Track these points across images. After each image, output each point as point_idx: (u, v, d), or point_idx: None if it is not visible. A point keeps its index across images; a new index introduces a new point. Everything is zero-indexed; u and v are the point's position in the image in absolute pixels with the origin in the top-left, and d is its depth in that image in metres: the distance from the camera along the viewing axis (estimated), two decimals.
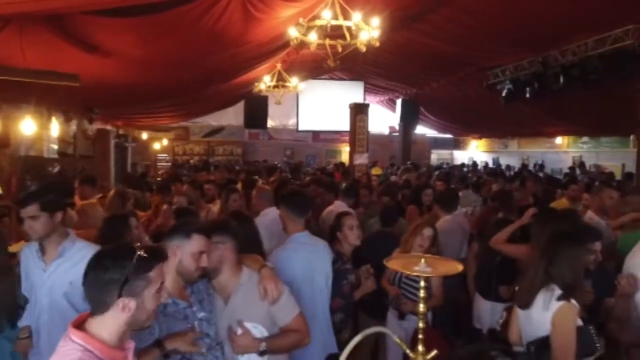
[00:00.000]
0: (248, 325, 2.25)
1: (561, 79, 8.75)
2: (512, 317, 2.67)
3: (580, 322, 2.37)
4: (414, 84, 15.11)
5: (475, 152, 23.42)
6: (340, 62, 8.20)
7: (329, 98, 17.35)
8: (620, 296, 2.95)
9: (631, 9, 6.91)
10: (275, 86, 11.84)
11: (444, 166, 18.33)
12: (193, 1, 5.11)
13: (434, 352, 1.80)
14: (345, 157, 18.23)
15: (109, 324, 1.56)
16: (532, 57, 9.54)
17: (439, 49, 10.05)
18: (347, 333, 3.32)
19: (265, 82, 11.62)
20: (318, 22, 5.83)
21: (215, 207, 5.42)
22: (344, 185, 6.74)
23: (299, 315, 2.38)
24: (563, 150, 18.80)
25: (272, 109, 15.81)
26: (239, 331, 2.23)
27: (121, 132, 12.96)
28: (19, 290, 3.04)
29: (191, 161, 18.70)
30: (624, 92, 8.71)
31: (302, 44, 6.50)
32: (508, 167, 17.91)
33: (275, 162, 17.12)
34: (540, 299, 2.42)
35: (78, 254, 2.59)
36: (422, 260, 1.87)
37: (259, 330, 2.27)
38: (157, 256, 1.68)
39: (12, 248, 3.42)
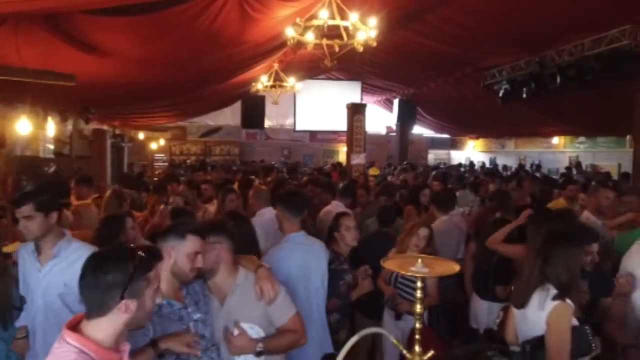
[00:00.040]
0: (244, 325, 2.24)
1: (558, 79, 8.76)
2: (508, 316, 2.67)
3: (575, 322, 2.37)
4: (411, 84, 15.12)
5: (473, 152, 23.45)
6: (337, 62, 8.22)
7: (326, 98, 17.36)
8: (618, 295, 2.95)
9: (627, 9, 6.93)
10: (273, 86, 11.84)
11: (442, 166, 18.35)
12: (189, 1, 5.10)
13: (430, 353, 1.80)
14: (342, 157, 18.23)
15: (107, 325, 1.55)
16: (528, 58, 9.56)
17: (436, 49, 10.06)
18: (344, 334, 3.32)
19: (262, 82, 11.62)
20: (315, 22, 5.83)
21: (212, 207, 5.41)
22: (341, 185, 6.73)
23: (295, 315, 2.37)
24: (560, 150, 18.85)
25: (269, 108, 15.81)
26: (236, 332, 2.22)
27: (118, 132, 12.95)
28: (14, 291, 3.03)
29: (188, 161, 18.66)
30: (620, 92, 8.73)
31: (299, 44, 6.49)
32: (505, 167, 17.93)
33: (273, 162, 17.10)
34: (535, 298, 2.43)
35: (73, 255, 2.58)
36: (419, 260, 1.86)
37: (255, 331, 2.27)
38: (155, 256, 1.69)
39: (8, 248, 3.40)
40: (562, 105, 10.87)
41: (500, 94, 10.54)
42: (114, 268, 1.54)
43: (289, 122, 19.52)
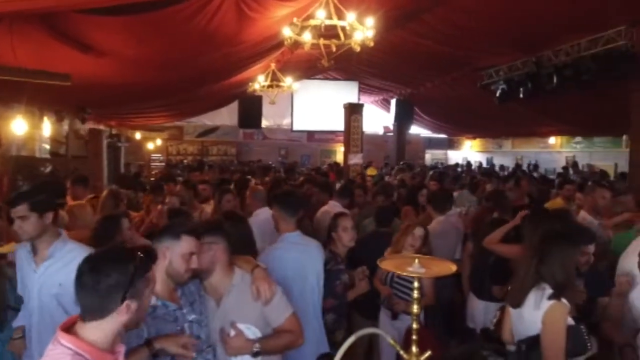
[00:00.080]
0: (241, 326, 2.23)
1: (554, 79, 8.79)
2: (505, 316, 2.68)
3: (571, 322, 2.37)
4: (409, 84, 15.14)
5: (470, 152, 23.49)
6: (334, 62, 8.19)
7: (323, 98, 17.35)
8: (617, 295, 2.95)
9: (624, 10, 6.95)
10: (270, 86, 11.82)
11: (439, 166, 18.37)
12: (185, 0, 5.09)
13: (427, 353, 1.79)
14: (340, 157, 18.23)
15: (106, 327, 1.54)
16: (525, 58, 9.58)
17: (433, 49, 10.07)
18: (341, 334, 3.31)
19: (259, 82, 11.59)
20: (312, 22, 5.82)
21: (209, 208, 5.40)
22: (338, 185, 6.73)
23: (292, 315, 2.36)
24: (556, 150, 18.90)
25: (266, 108, 15.79)
26: (232, 332, 2.21)
27: (114, 131, 12.90)
28: (9, 291, 3.02)
29: (185, 161, 18.63)
30: (616, 92, 8.76)
31: (296, 44, 6.49)
32: (502, 167, 17.97)
33: (270, 162, 17.08)
34: (531, 298, 2.43)
35: (69, 255, 2.56)
36: (416, 260, 1.86)
37: (252, 332, 2.25)
38: (153, 256, 1.70)
39: (3, 249, 3.39)
40: (559, 105, 10.90)
41: (497, 94, 10.56)
42: (115, 269, 1.53)
43: (286, 122, 19.50)
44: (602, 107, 10.48)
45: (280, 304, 2.33)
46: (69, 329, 1.55)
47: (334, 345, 3.01)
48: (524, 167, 17.66)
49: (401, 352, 1.80)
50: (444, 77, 12.68)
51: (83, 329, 1.54)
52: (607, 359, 3.01)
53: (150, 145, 18.07)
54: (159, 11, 5.04)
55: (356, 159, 12.04)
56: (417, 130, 20.98)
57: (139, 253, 1.61)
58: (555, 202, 5.92)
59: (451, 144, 23.95)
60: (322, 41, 6.39)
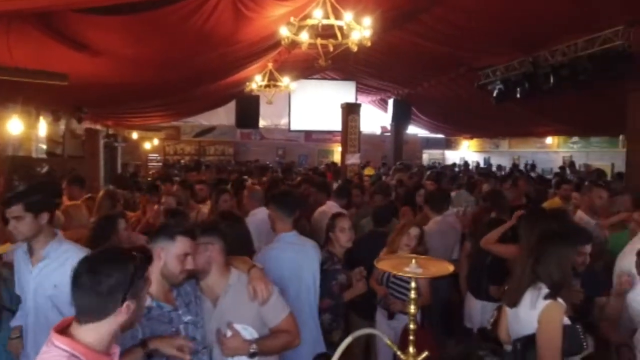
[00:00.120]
0: (238, 327, 2.22)
1: (551, 79, 8.79)
2: (501, 316, 2.68)
3: (567, 321, 2.37)
4: (406, 84, 15.14)
5: (467, 152, 23.52)
6: (331, 61, 8.19)
7: (320, 98, 17.34)
8: (617, 294, 2.96)
9: (621, 10, 6.96)
10: (267, 86, 11.80)
11: (436, 166, 18.39)
12: (182, 0, 5.07)
13: (425, 354, 1.79)
14: (337, 157, 18.22)
15: (103, 328, 1.53)
16: (522, 58, 9.59)
17: (430, 49, 10.08)
18: (338, 335, 3.31)
19: (256, 82, 11.58)
20: (309, 22, 5.81)
21: (206, 208, 5.39)
22: (335, 185, 6.72)
23: (289, 315, 2.36)
24: (553, 150, 18.94)
25: (263, 108, 15.76)
26: (229, 333, 2.20)
27: (111, 131, 12.87)
28: (4, 291, 3.01)
29: (182, 161, 18.60)
30: (613, 92, 8.78)
31: (294, 44, 6.47)
32: (499, 167, 17.99)
33: (267, 162, 17.08)
34: (527, 297, 2.43)
35: (64, 256, 2.55)
36: (413, 261, 1.85)
37: (248, 332, 2.25)
38: (149, 256, 1.72)
39: None
40: (556, 105, 10.92)
41: (494, 94, 10.57)
42: (116, 269, 1.53)
43: (283, 121, 19.48)
44: (599, 107, 10.49)
45: (277, 304, 2.32)
46: (63, 330, 1.53)
47: (331, 345, 3.00)
48: (521, 167, 17.68)
49: (398, 353, 1.80)
50: (441, 77, 12.69)
51: (78, 330, 1.52)
52: (604, 359, 3.02)
53: (147, 145, 18.04)
54: (156, 11, 5.02)
55: (354, 159, 12.02)
56: (414, 130, 20.99)
57: (137, 254, 1.61)
58: (554, 202, 5.92)
59: (448, 144, 23.98)
60: (319, 41, 6.38)
